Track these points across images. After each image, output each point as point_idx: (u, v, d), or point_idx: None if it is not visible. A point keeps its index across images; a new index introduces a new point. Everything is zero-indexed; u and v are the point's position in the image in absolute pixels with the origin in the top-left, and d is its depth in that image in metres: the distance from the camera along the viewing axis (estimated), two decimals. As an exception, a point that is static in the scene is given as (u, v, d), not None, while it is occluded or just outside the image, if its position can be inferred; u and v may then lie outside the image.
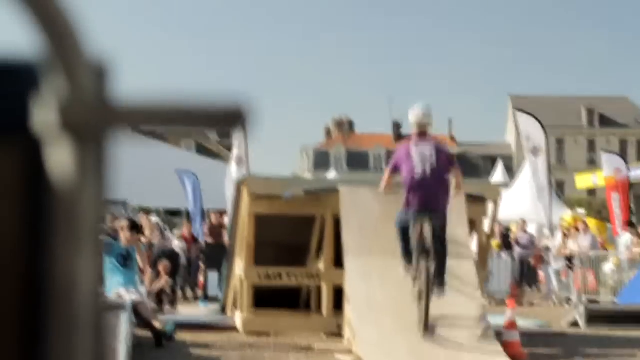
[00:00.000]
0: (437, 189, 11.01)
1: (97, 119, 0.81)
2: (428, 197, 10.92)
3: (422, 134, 11.46)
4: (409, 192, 11.02)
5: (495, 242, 24.07)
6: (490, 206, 13.65)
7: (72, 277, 0.82)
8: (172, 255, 20.50)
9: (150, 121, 0.82)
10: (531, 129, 24.56)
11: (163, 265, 18.49)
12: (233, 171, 24.14)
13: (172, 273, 20.05)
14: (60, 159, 0.83)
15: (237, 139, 25.66)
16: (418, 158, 11.09)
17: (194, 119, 0.81)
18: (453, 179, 11.28)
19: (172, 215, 34.01)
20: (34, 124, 0.84)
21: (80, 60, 0.82)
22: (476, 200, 13.06)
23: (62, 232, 0.83)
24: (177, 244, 23.19)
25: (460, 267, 11.69)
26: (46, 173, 0.85)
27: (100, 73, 0.83)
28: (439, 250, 10.86)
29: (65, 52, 0.82)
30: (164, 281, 19.12)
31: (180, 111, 0.81)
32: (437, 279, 10.89)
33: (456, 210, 11.82)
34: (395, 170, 11.33)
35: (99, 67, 0.83)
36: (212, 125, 0.82)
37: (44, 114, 0.82)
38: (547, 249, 24.11)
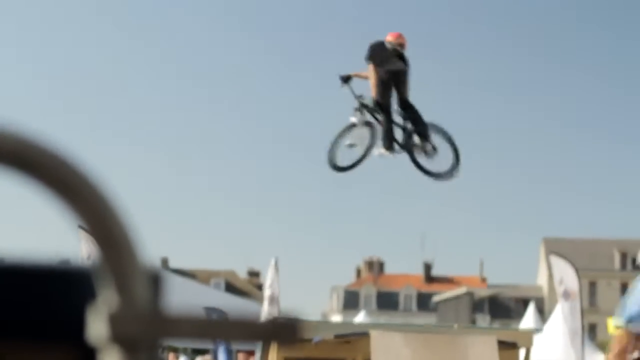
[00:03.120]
0: None
1: (148, 331, 0.83)
2: None
3: None
4: None
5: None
6: (522, 352, 13.51)
7: None
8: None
9: (200, 333, 0.84)
10: (564, 272, 24.42)
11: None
12: (265, 311, 24.02)
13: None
14: (111, 367, 0.85)
15: (268, 278, 25.65)
16: None
17: (244, 332, 0.83)
18: None
19: (199, 354, 33.72)
20: (88, 332, 0.87)
21: (135, 271, 0.85)
22: (508, 347, 12.91)
23: None
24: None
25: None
26: (97, 380, 0.87)
27: (153, 282, 0.86)
28: None
29: (120, 263, 0.85)
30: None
31: (229, 324, 0.83)
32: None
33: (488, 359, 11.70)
34: None
35: (153, 276, 0.86)
36: (260, 339, 0.85)
37: (97, 324, 0.85)
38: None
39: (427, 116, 13.64)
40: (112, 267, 0.84)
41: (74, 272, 0.93)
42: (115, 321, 0.83)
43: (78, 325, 0.90)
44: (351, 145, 13.70)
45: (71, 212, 0.85)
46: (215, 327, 0.84)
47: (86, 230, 0.84)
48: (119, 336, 0.83)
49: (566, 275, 24.51)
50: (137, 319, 0.83)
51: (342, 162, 13.75)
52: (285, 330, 0.84)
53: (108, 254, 0.84)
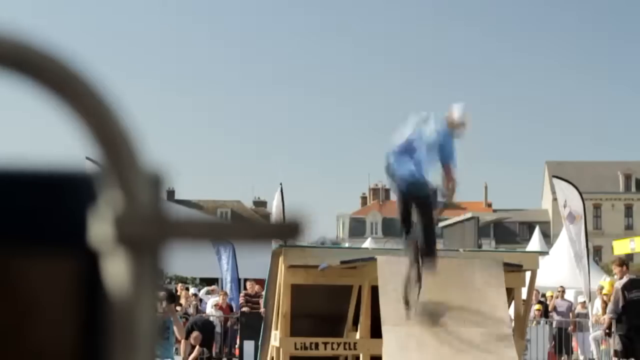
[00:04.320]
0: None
1: (152, 232, 0.83)
2: None
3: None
4: None
5: (537, 306, 23.90)
6: (528, 275, 13.56)
7: (128, 386, 0.84)
8: (207, 325, 20.50)
9: (205, 234, 0.84)
10: (568, 195, 24.46)
11: (194, 336, 18.50)
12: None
13: (208, 343, 20.05)
14: (116, 270, 0.85)
15: (274, 206, 25.74)
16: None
17: (248, 232, 0.83)
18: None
19: (208, 284, 34.01)
20: (91, 236, 0.86)
21: (137, 173, 0.84)
22: (513, 269, 12.97)
23: (118, 340, 0.85)
24: (213, 313, 23.19)
25: (502, 353, 11.49)
26: (102, 283, 0.87)
27: (156, 184, 0.85)
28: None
29: (121, 164, 0.84)
30: (196, 352, 19.10)
31: (234, 225, 0.83)
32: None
33: (495, 285, 11.75)
34: None
35: (155, 178, 0.86)
36: (265, 239, 0.84)
37: (101, 227, 0.85)
38: (585, 315, 23.89)
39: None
40: (114, 169, 0.83)
41: (74, 176, 0.92)
42: (120, 222, 0.83)
43: (80, 229, 0.90)
44: None
45: (71, 113, 0.84)
46: (219, 227, 0.84)
47: (87, 132, 0.83)
48: (125, 237, 0.82)
49: (570, 198, 24.57)
50: (142, 219, 0.83)
51: None
52: (289, 229, 0.84)
53: (109, 155, 0.84)
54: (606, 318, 16.79)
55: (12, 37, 0.84)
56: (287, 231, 0.84)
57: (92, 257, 0.87)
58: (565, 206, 24.67)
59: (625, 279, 16.72)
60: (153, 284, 0.84)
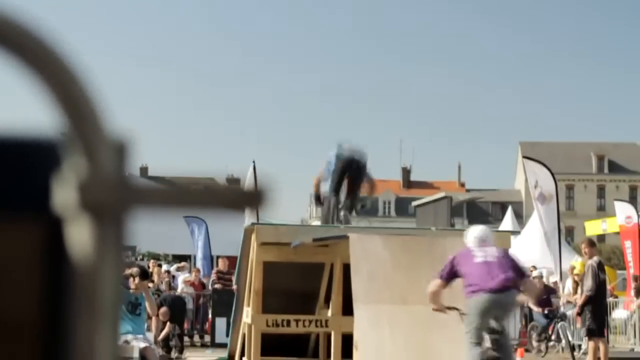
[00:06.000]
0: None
1: (117, 198, 0.83)
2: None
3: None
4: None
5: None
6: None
7: (91, 352, 0.84)
8: (177, 301, 20.49)
9: (169, 201, 0.84)
10: (540, 176, 24.54)
11: (162, 312, 18.50)
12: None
13: (179, 319, 20.05)
14: (79, 236, 0.85)
15: (246, 184, 25.69)
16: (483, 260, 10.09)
17: (212, 200, 0.83)
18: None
19: (180, 261, 34.02)
20: (55, 202, 0.86)
21: (101, 139, 0.84)
22: (485, 248, 13.03)
23: (81, 307, 0.85)
24: (185, 290, 23.18)
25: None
26: (66, 250, 0.87)
27: (120, 151, 0.85)
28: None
29: (86, 131, 0.84)
30: (167, 329, 19.10)
31: (198, 192, 0.83)
32: None
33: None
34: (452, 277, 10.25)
35: (120, 145, 0.86)
36: (230, 207, 0.84)
37: (64, 193, 0.84)
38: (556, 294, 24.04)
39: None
40: (78, 135, 0.83)
41: (39, 142, 0.92)
42: (84, 189, 0.82)
43: (44, 195, 0.90)
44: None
45: (36, 79, 0.84)
46: (183, 194, 0.84)
47: (52, 99, 0.83)
48: (88, 204, 0.82)
49: (542, 178, 24.66)
50: (106, 186, 0.83)
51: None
52: (255, 196, 0.84)
53: (73, 122, 0.83)
54: (583, 295, 16.76)
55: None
56: (252, 198, 0.84)
57: (56, 223, 0.87)
58: (535, 187, 24.76)
59: (595, 259, 16.81)
60: (117, 251, 0.84)
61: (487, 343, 9.88)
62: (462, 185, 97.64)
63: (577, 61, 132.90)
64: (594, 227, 37.32)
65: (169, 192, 0.84)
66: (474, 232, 10.59)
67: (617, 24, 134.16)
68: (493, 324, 9.86)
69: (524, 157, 27.70)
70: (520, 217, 59.74)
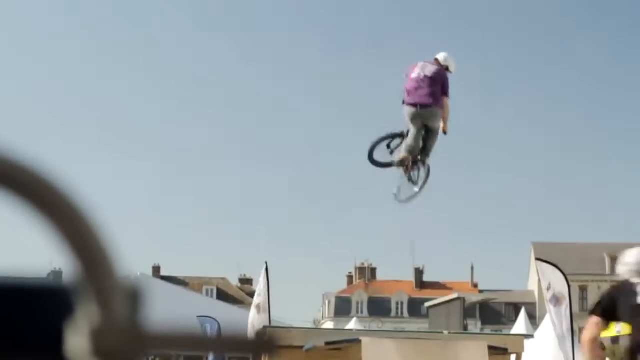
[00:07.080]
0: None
1: (128, 345, 0.84)
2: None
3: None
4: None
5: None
6: (513, 358, 13.53)
7: None
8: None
9: (181, 347, 0.85)
10: (552, 278, 24.41)
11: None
12: (251, 319, 23.92)
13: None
14: (91, 381, 0.86)
15: (259, 286, 25.60)
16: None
17: (222, 345, 0.85)
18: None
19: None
20: (67, 347, 0.88)
21: (113, 286, 0.86)
22: (499, 353, 12.94)
23: None
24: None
25: None
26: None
27: (133, 298, 0.87)
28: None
29: (99, 278, 0.86)
30: None
31: (211, 338, 0.84)
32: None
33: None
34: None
35: (132, 292, 0.88)
36: (239, 352, 0.86)
37: (77, 339, 0.86)
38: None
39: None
40: (92, 283, 0.85)
41: (52, 288, 0.94)
42: (96, 335, 0.84)
43: (57, 340, 0.91)
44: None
45: (49, 227, 0.86)
46: (195, 342, 0.86)
47: (65, 245, 0.85)
48: (100, 350, 0.84)
49: (554, 280, 24.51)
50: (118, 333, 0.84)
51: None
52: (265, 345, 0.86)
53: (87, 269, 0.85)
54: None
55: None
56: (263, 347, 0.86)
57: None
58: (548, 289, 24.61)
59: None
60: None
61: None
62: (475, 285, 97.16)
63: (592, 160, 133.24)
64: (608, 329, 36.95)
65: (180, 339, 0.85)
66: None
67: (629, 116, 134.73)
68: None
69: (536, 259, 27.57)
70: (534, 318, 59.34)
